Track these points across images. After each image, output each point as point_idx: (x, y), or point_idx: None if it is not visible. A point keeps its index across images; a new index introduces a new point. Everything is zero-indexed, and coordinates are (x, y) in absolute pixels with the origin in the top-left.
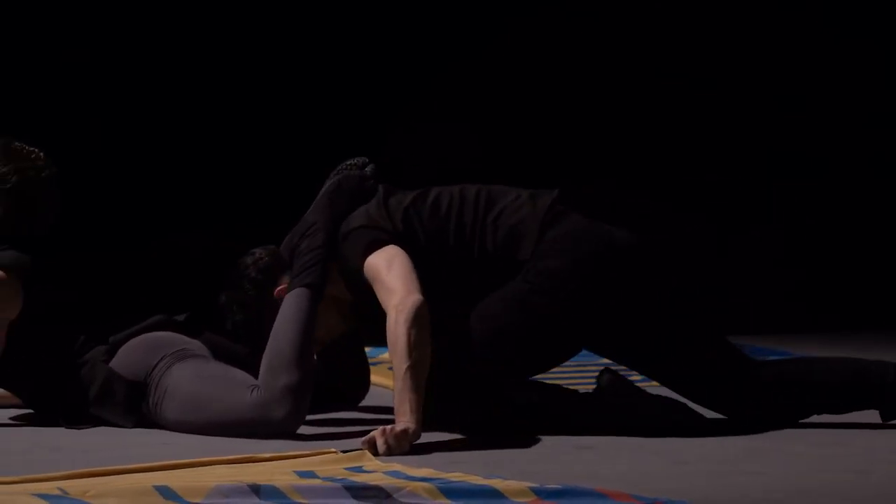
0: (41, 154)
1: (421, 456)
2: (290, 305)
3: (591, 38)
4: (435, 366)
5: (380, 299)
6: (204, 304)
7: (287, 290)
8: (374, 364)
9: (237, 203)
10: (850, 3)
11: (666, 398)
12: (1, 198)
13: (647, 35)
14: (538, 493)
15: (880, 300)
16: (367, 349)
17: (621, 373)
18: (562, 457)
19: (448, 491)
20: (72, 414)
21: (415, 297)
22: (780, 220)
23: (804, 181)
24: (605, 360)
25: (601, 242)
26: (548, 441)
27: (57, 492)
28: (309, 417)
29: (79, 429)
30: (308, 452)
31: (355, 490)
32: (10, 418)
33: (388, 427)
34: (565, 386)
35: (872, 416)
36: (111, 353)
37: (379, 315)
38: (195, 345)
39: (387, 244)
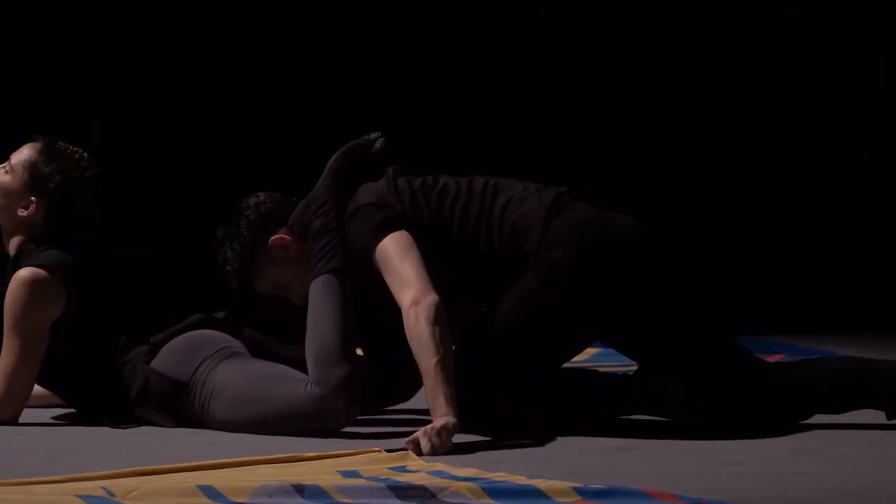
0: (85, 154)
1: (465, 455)
2: (321, 295)
3: (591, 38)
4: None
5: (391, 288)
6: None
7: (311, 278)
8: None
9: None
10: (850, 3)
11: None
12: (44, 198)
13: (647, 35)
14: (582, 493)
15: (880, 300)
16: None
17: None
18: (606, 457)
19: (491, 491)
20: (115, 414)
21: (433, 297)
22: (781, 218)
23: (805, 180)
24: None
25: (605, 234)
26: (592, 441)
27: (101, 492)
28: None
29: (122, 428)
30: (352, 452)
31: (399, 490)
32: (52, 418)
33: (430, 426)
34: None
35: None
36: (152, 353)
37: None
38: (235, 343)
39: (398, 227)
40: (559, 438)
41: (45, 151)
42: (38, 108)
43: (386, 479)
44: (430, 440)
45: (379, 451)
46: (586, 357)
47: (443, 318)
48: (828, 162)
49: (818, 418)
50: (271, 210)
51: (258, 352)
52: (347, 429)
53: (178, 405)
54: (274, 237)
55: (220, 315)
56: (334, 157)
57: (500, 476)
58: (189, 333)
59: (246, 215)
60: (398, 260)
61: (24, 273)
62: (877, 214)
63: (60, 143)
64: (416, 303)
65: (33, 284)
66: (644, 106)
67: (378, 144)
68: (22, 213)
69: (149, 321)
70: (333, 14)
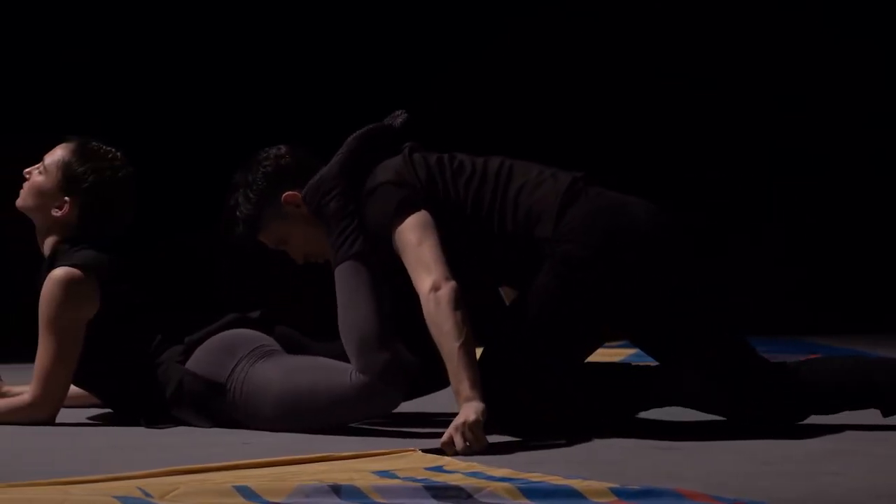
0: (118, 154)
1: (501, 456)
2: (349, 283)
3: (591, 38)
4: None
5: (410, 272)
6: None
7: (334, 265)
8: None
9: None
10: (850, 3)
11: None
12: (78, 198)
13: (647, 35)
14: (618, 493)
15: (880, 300)
16: None
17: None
18: (644, 457)
19: (528, 491)
20: (151, 414)
21: (452, 284)
22: (781, 218)
23: (805, 180)
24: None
25: (619, 224)
26: (629, 442)
27: (137, 493)
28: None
29: (158, 429)
30: (388, 452)
31: (435, 490)
32: (88, 418)
33: (460, 421)
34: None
35: None
36: (187, 353)
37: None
38: (270, 341)
39: (416, 206)
40: (597, 439)
41: (78, 151)
42: (38, 108)
43: (423, 479)
44: (463, 437)
45: (415, 450)
46: (619, 359)
47: (462, 303)
48: (828, 162)
49: (855, 418)
50: (290, 165)
51: (292, 349)
52: (383, 427)
53: (215, 406)
54: (288, 193)
55: (255, 315)
56: (352, 136)
57: (536, 476)
58: (224, 333)
59: (264, 165)
60: (417, 242)
61: (58, 273)
62: (877, 214)
63: (94, 142)
64: (435, 288)
65: (68, 284)
66: (644, 106)
67: (400, 119)
68: (56, 213)
69: (183, 321)
70: (334, 15)
